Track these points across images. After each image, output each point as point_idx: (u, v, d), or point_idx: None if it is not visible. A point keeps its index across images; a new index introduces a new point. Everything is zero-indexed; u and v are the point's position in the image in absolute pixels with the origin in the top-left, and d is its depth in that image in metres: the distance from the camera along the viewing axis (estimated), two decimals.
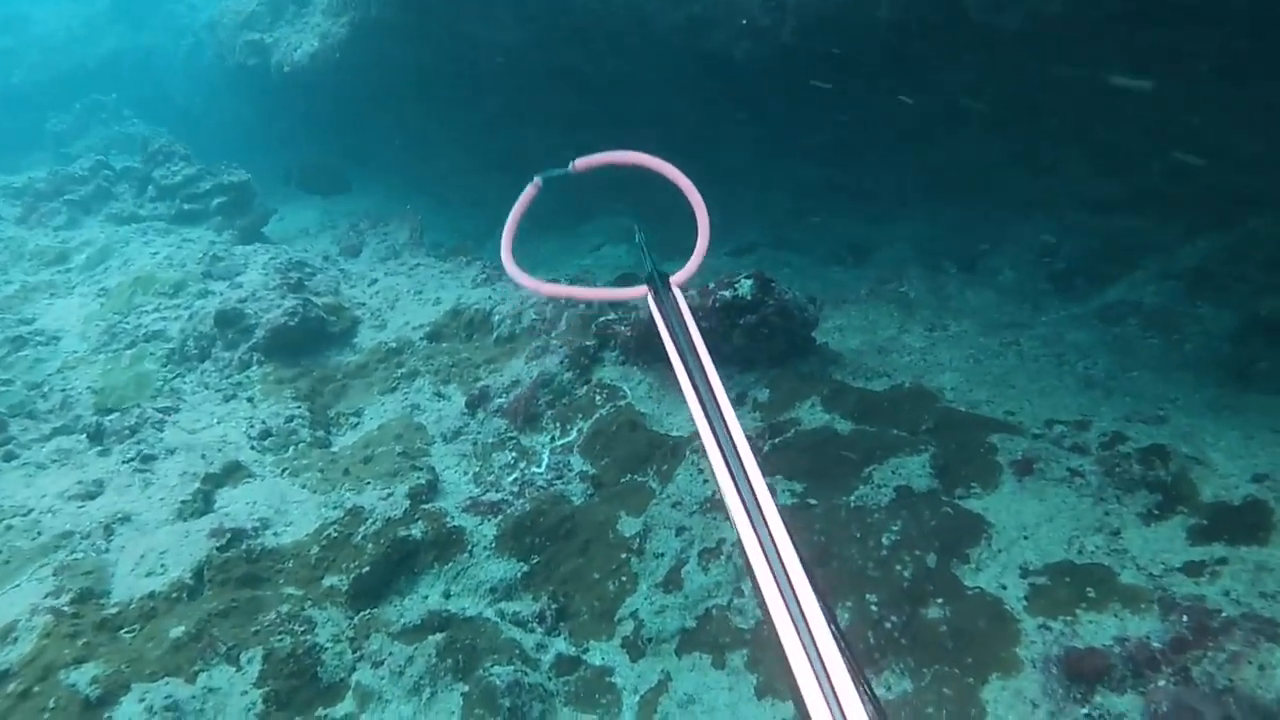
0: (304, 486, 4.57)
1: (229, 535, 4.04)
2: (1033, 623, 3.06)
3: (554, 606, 3.75)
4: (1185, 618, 2.84)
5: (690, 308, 4.91)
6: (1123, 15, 6.02)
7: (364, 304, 6.56)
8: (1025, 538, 3.38)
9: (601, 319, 5.28)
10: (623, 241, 9.64)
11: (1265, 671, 2.53)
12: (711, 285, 4.94)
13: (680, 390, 1.27)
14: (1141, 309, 5.96)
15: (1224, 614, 2.79)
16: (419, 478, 4.42)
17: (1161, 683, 2.69)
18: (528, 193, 2.05)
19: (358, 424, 5.40)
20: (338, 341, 6.16)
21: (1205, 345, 5.46)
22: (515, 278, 1.91)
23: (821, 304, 6.78)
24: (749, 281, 4.77)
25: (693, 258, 1.73)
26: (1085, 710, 2.76)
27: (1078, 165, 8.11)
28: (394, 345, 5.98)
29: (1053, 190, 8.16)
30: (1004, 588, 3.21)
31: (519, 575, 3.92)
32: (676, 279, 1.60)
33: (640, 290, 1.56)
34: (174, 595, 3.72)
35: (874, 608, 3.17)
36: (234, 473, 4.67)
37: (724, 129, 10.02)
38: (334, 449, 5.10)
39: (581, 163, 1.99)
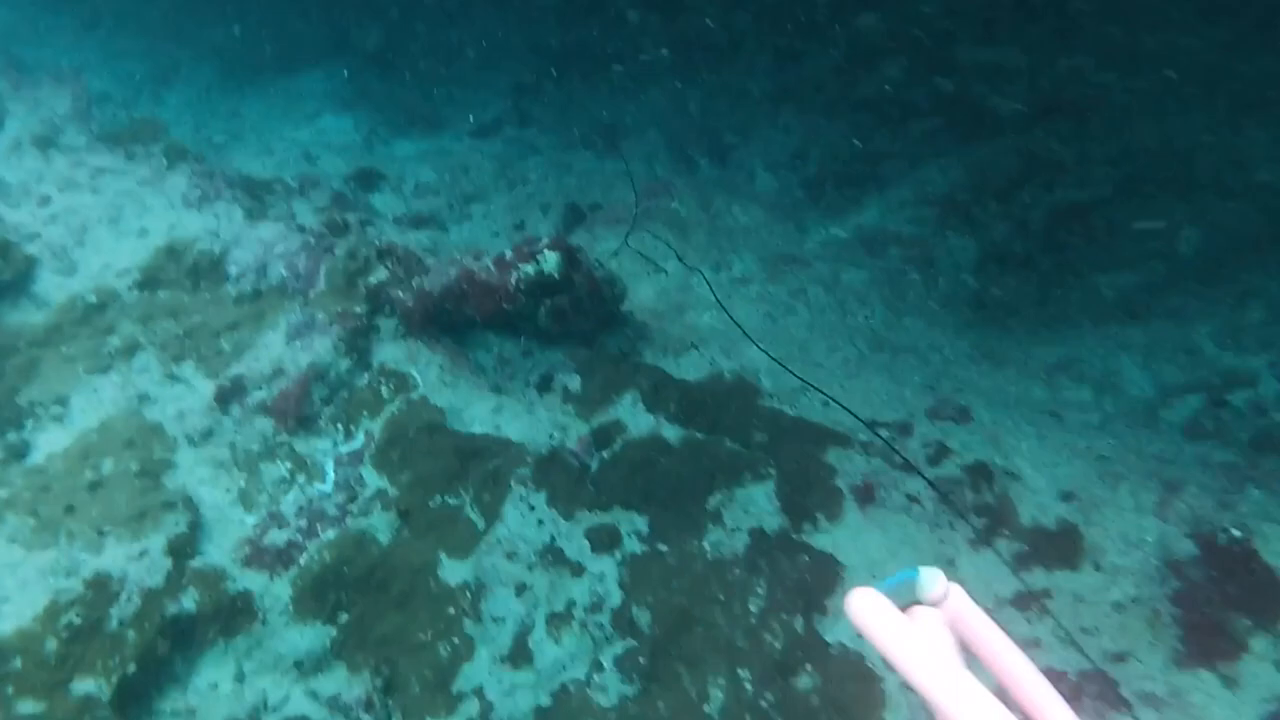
0: (12, 539, 3.59)
1: None
2: (894, 680, 3.13)
3: (378, 681, 3.31)
4: None
5: (489, 285, 4.19)
6: None
7: (38, 235, 5.11)
8: (873, 577, 3.41)
9: (373, 279, 4.54)
10: (348, 112, 8.32)
11: None
12: (508, 255, 4.36)
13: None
14: (901, 239, 6.17)
15: (1069, 675, 3.00)
16: (176, 521, 3.62)
17: None
18: None
19: (62, 417, 4.31)
20: (10, 293, 4.81)
21: (954, 279, 5.82)
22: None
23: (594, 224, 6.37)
24: (554, 256, 4.25)
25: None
26: None
27: (822, 63, 8.10)
28: (94, 300, 4.75)
29: (800, 85, 8.13)
30: (861, 638, 3.24)
31: (327, 642, 3.40)
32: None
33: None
34: None
35: (748, 685, 3.08)
36: None
37: None
38: (38, 461, 4.05)
39: None
